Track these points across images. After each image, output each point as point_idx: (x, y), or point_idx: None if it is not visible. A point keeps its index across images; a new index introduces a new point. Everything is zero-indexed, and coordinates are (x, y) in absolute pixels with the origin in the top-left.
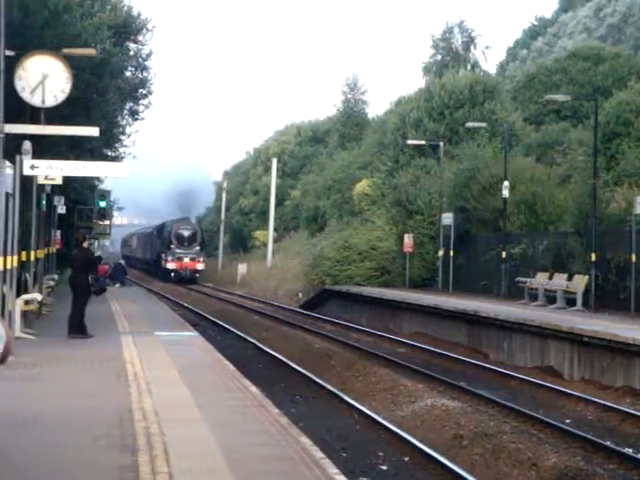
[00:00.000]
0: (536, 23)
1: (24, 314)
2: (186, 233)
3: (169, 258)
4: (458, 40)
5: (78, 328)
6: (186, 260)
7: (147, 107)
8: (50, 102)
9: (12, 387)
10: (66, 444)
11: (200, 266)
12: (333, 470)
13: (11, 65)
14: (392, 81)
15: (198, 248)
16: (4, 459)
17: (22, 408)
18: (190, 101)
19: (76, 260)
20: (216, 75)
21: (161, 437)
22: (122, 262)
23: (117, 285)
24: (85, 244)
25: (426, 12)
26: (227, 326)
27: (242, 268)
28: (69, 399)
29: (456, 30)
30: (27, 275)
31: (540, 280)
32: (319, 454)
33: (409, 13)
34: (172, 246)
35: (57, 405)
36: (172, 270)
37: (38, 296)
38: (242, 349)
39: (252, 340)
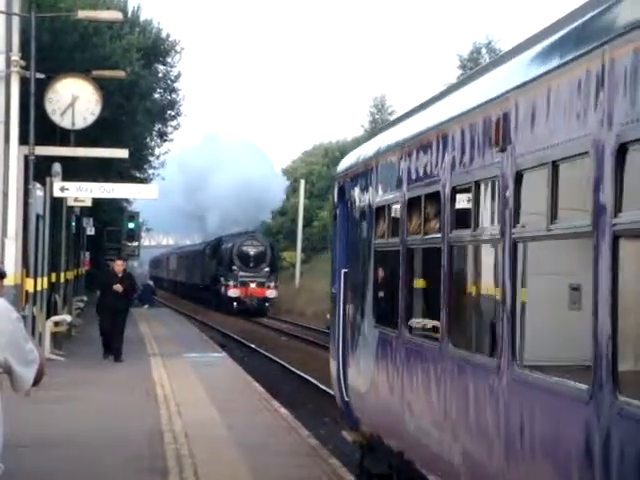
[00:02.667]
0: None
1: (54, 335)
2: (252, 251)
3: (230, 283)
4: (486, 60)
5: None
6: (252, 286)
7: (176, 128)
8: (80, 124)
9: (43, 408)
10: (97, 466)
11: (271, 293)
12: None
13: (41, 88)
14: (419, 101)
15: (268, 270)
16: None
17: (53, 429)
18: (217, 121)
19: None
20: (243, 95)
21: (191, 459)
22: (150, 283)
23: (146, 306)
24: (117, 266)
25: (454, 32)
26: (255, 347)
27: None
28: (99, 420)
29: (484, 50)
30: (57, 296)
31: None
32: (349, 476)
33: (437, 33)
34: (234, 268)
35: (87, 426)
36: (234, 299)
37: (68, 317)
38: (270, 370)
39: (280, 361)
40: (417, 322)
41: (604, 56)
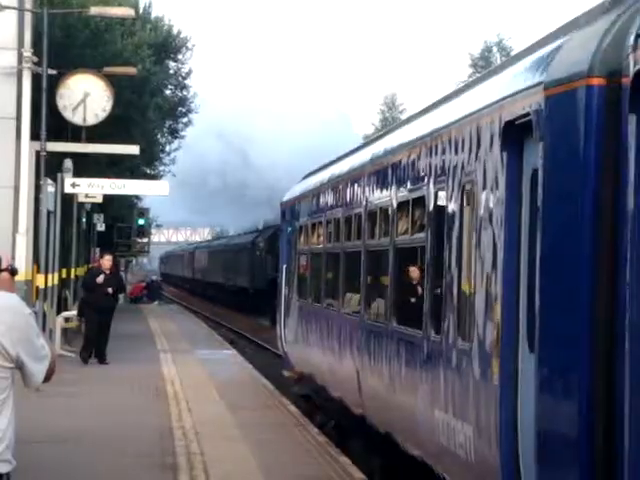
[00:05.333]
0: None
1: (64, 331)
2: None
3: None
4: (497, 59)
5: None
6: None
7: (186, 125)
8: (91, 120)
9: (53, 404)
10: (107, 462)
11: None
12: None
13: (53, 84)
14: (430, 99)
15: None
16: (46, 477)
17: (63, 426)
18: (226, 119)
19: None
20: (253, 92)
21: (201, 456)
22: (155, 278)
23: (156, 302)
24: (105, 262)
25: (465, 30)
26: (264, 344)
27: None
28: (110, 417)
29: (495, 49)
30: (67, 292)
31: None
32: (359, 474)
33: (448, 31)
34: None
35: (98, 423)
36: None
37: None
38: (280, 367)
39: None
40: (314, 294)
41: (364, 170)
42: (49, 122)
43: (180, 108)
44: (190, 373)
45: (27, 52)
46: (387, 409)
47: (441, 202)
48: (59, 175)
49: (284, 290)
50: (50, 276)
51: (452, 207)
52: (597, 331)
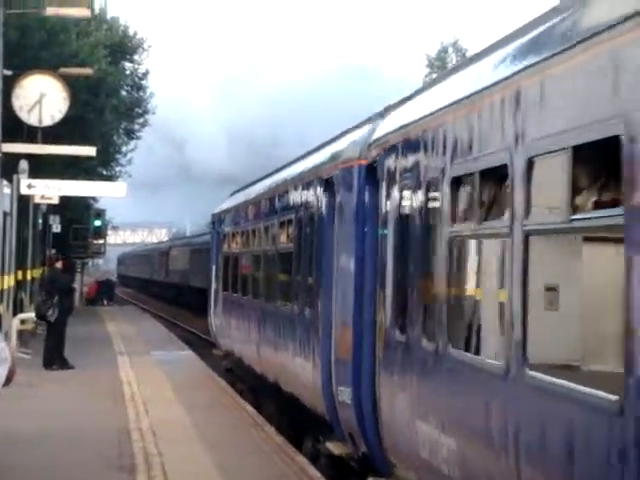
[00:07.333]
0: None
1: (20, 333)
2: None
3: None
4: (453, 59)
5: (58, 359)
6: None
7: (143, 126)
8: (47, 121)
9: (9, 407)
10: (65, 464)
11: None
12: None
13: (8, 84)
14: (388, 99)
15: None
16: (2, 479)
17: (20, 428)
18: (187, 121)
19: (49, 283)
20: (213, 76)
21: (159, 457)
22: (112, 278)
23: (105, 302)
24: (58, 264)
25: (421, 31)
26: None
27: None
28: (66, 419)
29: (450, 49)
30: (23, 294)
31: None
32: (315, 472)
33: (404, 32)
34: None
35: (54, 425)
36: None
37: (34, 315)
38: (236, 368)
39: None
40: (231, 286)
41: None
42: (4, 123)
43: (136, 109)
44: (147, 374)
45: None
46: (273, 364)
47: (300, 224)
48: (15, 176)
49: (213, 285)
50: (6, 278)
51: (304, 227)
52: (360, 303)
